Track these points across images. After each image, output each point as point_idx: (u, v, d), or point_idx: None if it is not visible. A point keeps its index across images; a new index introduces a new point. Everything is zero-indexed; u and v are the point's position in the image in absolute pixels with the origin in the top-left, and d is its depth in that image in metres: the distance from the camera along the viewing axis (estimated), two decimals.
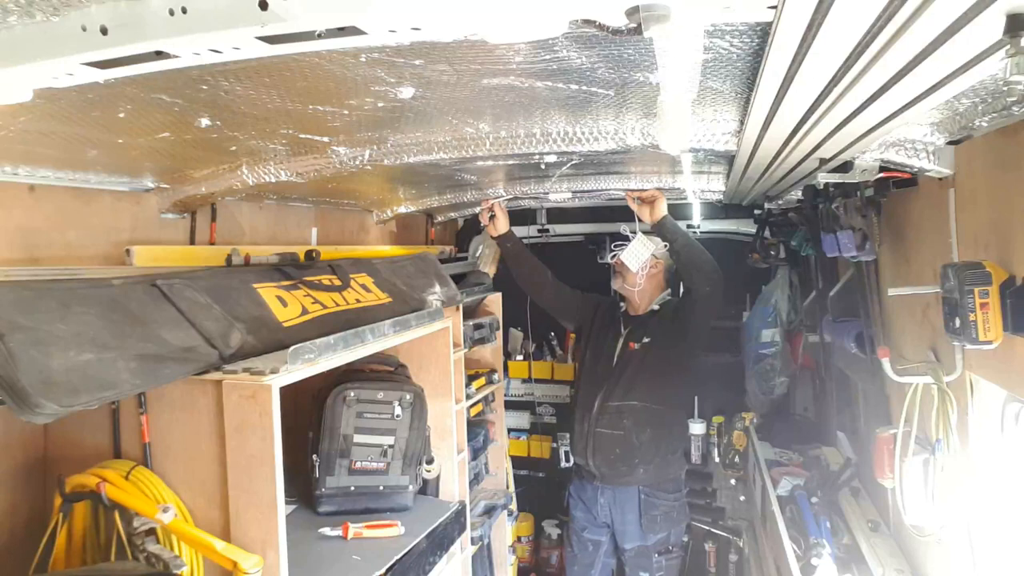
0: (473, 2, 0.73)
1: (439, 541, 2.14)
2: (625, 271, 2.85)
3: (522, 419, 4.25)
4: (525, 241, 3.98)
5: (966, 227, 1.54)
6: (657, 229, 2.70)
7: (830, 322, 2.67)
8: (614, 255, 2.89)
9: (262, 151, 1.83)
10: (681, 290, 3.03)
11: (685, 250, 2.52)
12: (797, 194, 2.56)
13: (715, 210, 3.64)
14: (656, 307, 2.92)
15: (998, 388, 1.50)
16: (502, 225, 2.76)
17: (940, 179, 1.62)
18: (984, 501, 1.56)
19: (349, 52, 1.06)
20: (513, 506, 3.71)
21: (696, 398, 4.12)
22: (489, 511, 3.27)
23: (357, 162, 1.84)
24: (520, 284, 2.97)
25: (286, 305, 1.81)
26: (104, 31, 0.79)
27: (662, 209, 2.52)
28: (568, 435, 3.16)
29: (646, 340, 2.79)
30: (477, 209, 3.02)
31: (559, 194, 2.86)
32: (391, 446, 2.08)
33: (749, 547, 3.34)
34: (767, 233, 3.34)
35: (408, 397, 2.10)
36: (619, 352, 2.83)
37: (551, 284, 2.93)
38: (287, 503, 1.82)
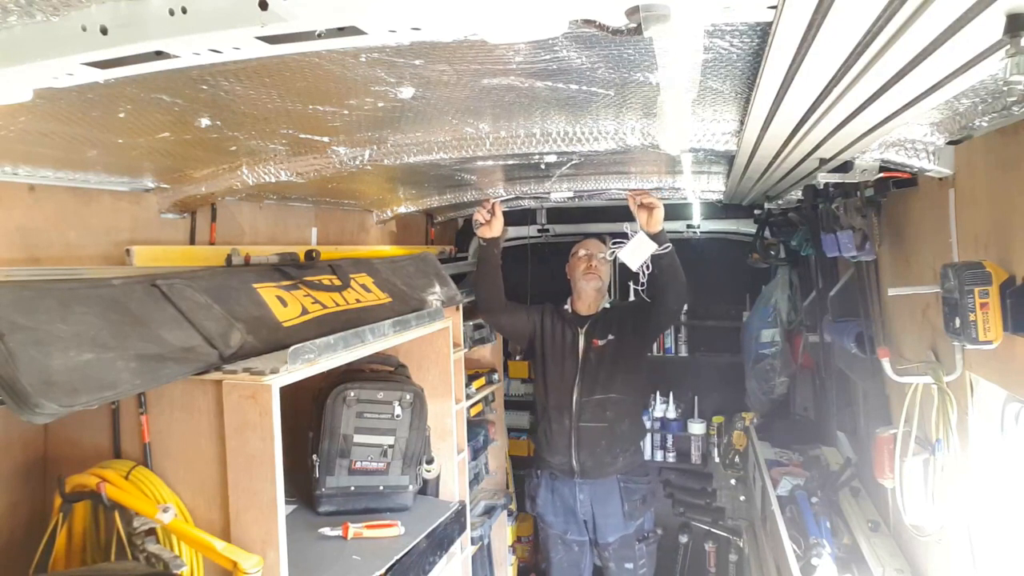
0: (473, 2, 0.73)
1: (439, 541, 2.14)
2: (601, 271, 2.92)
3: (522, 419, 4.25)
4: (524, 241, 4.00)
5: (966, 227, 1.54)
6: (652, 239, 2.71)
7: (830, 322, 2.67)
8: (612, 253, 2.90)
9: (262, 151, 1.83)
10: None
11: (670, 268, 2.55)
12: (797, 194, 2.57)
13: (715, 210, 3.64)
14: (607, 305, 3.01)
15: (998, 388, 1.50)
16: (498, 227, 2.73)
17: (940, 179, 1.62)
18: (984, 501, 1.56)
19: (349, 52, 1.06)
20: (513, 506, 3.71)
21: (696, 398, 4.14)
22: (489, 511, 3.28)
23: (357, 162, 1.84)
24: (478, 296, 2.91)
25: (286, 305, 1.81)
26: (104, 31, 0.79)
27: (659, 220, 2.52)
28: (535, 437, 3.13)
29: (611, 337, 2.85)
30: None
31: (559, 194, 2.86)
32: (391, 446, 2.08)
33: (749, 547, 3.34)
34: (767, 233, 3.34)
35: (408, 397, 2.10)
36: (583, 349, 2.85)
37: (504, 304, 2.91)
38: (287, 503, 1.82)
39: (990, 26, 0.69)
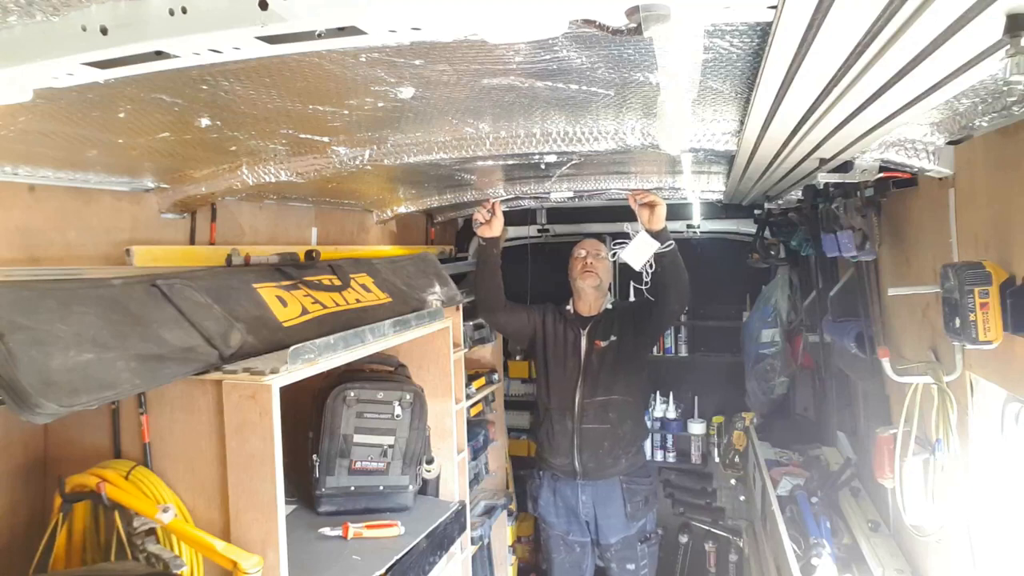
0: (473, 2, 0.73)
1: (439, 541, 2.14)
2: (598, 269, 2.90)
3: (522, 419, 4.25)
4: (524, 241, 4.00)
5: (966, 227, 1.54)
6: (654, 237, 2.70)
7: (830, 322, 2.67)
8: (614, 253, 2.89)
9: (262, 151, 1.83)
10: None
11: (672, 266, 2.54)
12: (797, 194, 2.57)
13: (715, 210, 3.64)
14: (609, 306, 2.98)
15: (998, 388, 1.50)
16: (498, 227, 2.73)
17: (940, 179, 1.62)
18: (984, 501, 1.56)
19: (349, 52, 1.06)
20: (513, 506, 3.71)
21: (696, 398, 4.14)
22: (489, 511, 3.28)
23: (357, 162, 1.85)
24: (477, 296, 2.92)
25: (286, 305, 1.81)
26: (104, 31, 0.79)
27: (661, 218, 2.52)
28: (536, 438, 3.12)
29: (613, 338, 2.84)
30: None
31: (560, 194, 2.86)
32: (391, 446, 2.08)
33: (749, 547, 3.34)
34: (767, 233, 3.34)
35: (408, 397, 2.10)
36: (586, 350, 2.85)
37: (504, 304, 2.91)
38: (287, 503, 1.82)
39: (990, 26, 0.69)
